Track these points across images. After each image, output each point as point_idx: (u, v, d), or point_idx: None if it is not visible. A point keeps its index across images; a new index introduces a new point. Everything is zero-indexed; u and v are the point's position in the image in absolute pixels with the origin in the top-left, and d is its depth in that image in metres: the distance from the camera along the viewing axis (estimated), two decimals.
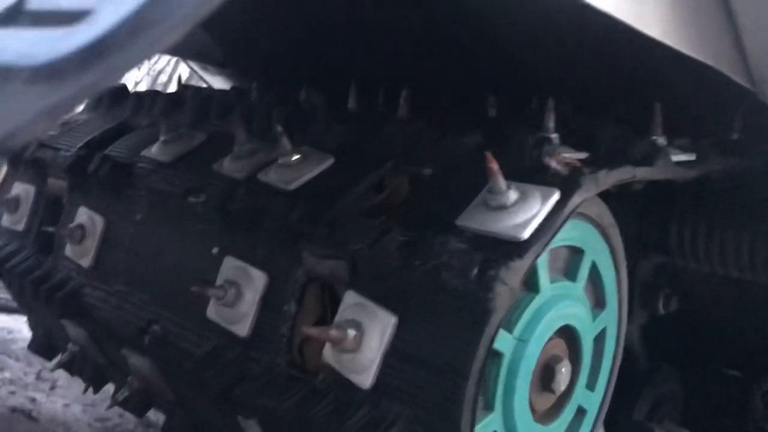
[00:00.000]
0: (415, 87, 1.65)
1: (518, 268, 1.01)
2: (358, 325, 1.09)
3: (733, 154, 1.56)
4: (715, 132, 1.60)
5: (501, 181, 1.06)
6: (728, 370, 2.33)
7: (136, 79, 7.01)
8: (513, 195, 1.07)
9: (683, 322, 2.20)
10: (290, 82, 1.93)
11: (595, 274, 1.34)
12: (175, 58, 2.56)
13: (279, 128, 1.33)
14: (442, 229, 1.08)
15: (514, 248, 1.02)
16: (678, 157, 1.38)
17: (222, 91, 2.02)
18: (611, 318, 1.42)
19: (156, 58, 7.11)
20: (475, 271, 1.00)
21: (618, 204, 1.84)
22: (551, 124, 1.25)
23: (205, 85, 2.53)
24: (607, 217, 1.32)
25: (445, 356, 1.03)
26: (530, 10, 1.41)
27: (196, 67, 2.46)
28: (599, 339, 1.39)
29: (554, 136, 1.24)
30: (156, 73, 7.16)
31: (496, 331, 1.02)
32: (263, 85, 1.94)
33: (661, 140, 1.39)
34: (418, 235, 1.08)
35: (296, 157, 1.35)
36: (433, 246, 1.05)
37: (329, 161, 1.35)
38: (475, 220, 1.08)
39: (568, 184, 1.10)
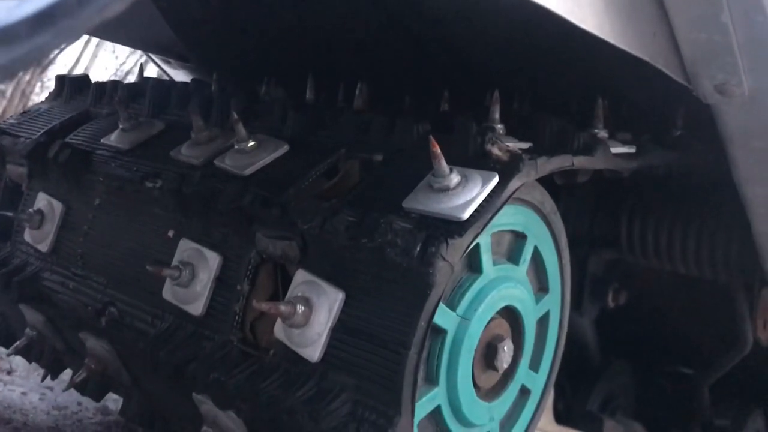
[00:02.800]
0: (375, 84, 1.70)
1: (458, 245, 1.07)
2: (307, 301, 1.14)
3: (673, 149, 1.63)
4: (660, 128, 1.67)
5: (443, 164, 1.11)
6: (679, 366, 2.41)
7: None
8: (455, 178, 1.12)
9: (635, 318, 2.28)
10: (251, 76, 1.97)
11: (538, 259, 1.40)
12: (143, 59, 2.57)
13: (234, 115, 1.37)
14: (389, 210, 1.13)
15: (455, 227, 1.08)
16: (618, 149, 1.45)
17: (182, 83, 2.05)
18: (554, 302, 1.48)
19: (124, 59, 7.11)
20: (418, 248, 1.06)
21: (569, 200, 1.91)
22: (496, 115, 1.31)
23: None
24: (550, 205, 1.38)
25: (388, 329, 1.08)
26: (480, 6, 1.46)
27: (158, 61, 2.48)
28: (543, 322, 1.45)
29: (498, 126, 1.31)
30: (123, 74, 7.12)
31: (437, 305, 1.08)
32: (224, 78, 1.97)
33: (603, 133, 1.46)
34: (365, 216, 1.13)
35: (252, 143, 1.39)
36: (379, 225, 1.10)
37: (284, 148, 1.40)
38: (420, 202, 1.13)
39: (507, 169, 1.16)
